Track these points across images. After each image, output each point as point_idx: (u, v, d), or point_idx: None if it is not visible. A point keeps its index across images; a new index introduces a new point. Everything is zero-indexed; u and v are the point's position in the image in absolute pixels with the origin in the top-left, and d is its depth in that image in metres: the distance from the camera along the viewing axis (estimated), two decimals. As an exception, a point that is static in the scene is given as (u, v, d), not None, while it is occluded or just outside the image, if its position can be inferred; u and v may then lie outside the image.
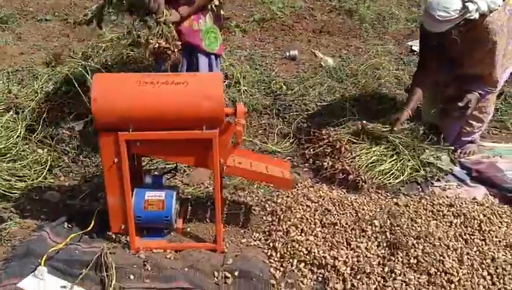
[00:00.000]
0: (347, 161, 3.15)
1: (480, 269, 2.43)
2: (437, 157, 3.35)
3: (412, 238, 2.55)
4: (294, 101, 4.01)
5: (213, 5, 3.12)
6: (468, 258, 2.48)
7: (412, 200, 2.96)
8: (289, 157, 3.46)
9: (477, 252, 2.53)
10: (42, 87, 3.75)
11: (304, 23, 5.71)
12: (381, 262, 2.45)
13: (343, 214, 2.75)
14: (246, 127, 3.60)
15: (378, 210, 2.79)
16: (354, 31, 5.63)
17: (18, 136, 3.26)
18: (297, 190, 3.00)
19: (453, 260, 2.46)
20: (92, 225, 2.51)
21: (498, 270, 2.43)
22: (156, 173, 3.10)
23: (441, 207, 2.86)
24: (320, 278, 2.39)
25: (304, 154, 3.47)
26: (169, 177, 2.99)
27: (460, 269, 2.41)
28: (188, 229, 2.66)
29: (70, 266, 2.35)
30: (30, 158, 3.15)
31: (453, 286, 2.34)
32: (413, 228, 2.64)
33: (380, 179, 3.12)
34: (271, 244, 2.56)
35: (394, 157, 3.23)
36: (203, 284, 2.28)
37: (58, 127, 3.44)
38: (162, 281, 2.29)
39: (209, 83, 2.35)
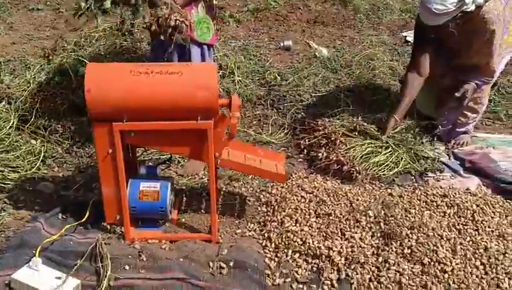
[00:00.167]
0: (342, 152, 3.16)
1: (473, 259, 2.45)
2: (431, 148, 3.37)
3: (406, 229, 2.56)
4: (289, 92, 4.01)
5: (205, -5, 3.10)
6: (461, 248, 2.50)
7: (405, 191, 2.97)
8: (283, 148, 3.47)
9: (471, 242, 2.55)
10: (35, 77, 3.73)
11: (298, 13, 5.69)
12: (375, 252, 2.47)
13: (337, 204, 2.75)
14: (241, 118, 3.60)
15: (372, 201, 2.80)
16: (348, 22, 5.62)
17: (11, 126, 3.24)
18: (292, 180, 3.00)
19: (446, 250, 2.47)
20: (86, 216, 2.50)
21: (491, 260, 2.45)
22: (150, 163, 3.09)
23: (434, 198, 2.88)
24: (314, 268, 2.40)
25: (298, 145, 3.47)
26: (163, 168, 2.98)
27: (454, 258, 2.43)
28: (183, 220, 2.66)
29: (64, 257, 2.35)
30: (23, 149, 3.14)
31: (446, 275, 2.35)
32: (407, 218, 2.66)
33: (374, 171, 3.13)
34: (266, 235, 2.57)
35: (389, 150, 3.23)
36: (198, 274, 2.29)
37: (51, 118, 3.41)
38: (157, 272, 2.29)
39: (203, 73, 2.33)
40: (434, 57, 3.31)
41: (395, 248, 2.47)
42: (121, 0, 2.89)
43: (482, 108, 3.52)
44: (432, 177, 3.17)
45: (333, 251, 2.43)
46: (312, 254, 2.44)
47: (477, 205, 2.80)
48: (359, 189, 2.96)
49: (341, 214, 2.65)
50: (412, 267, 2.39)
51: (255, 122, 3.75)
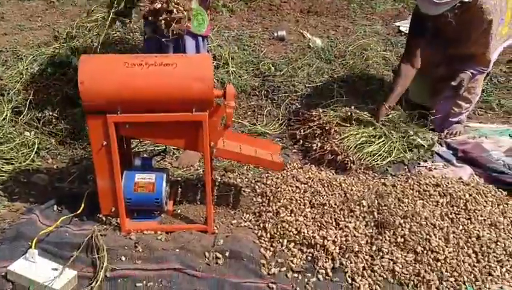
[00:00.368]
0: (336, 143, 3.18)
1: (466, 247, 2.49)
2: (424, 138, 3.39)
3: (399, 218, 2.59)
4: (283, 83, 4.01)
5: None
6: (454, 236, 2.54)
7: (399, 181, 3.00)
8: (278, 139, 3.48)
9: (463, 231, 2.59)
10: (27, 68, 3.70)
11: (291, 2, 5.66)
12: (369, 241, 2.50)
13: (332, 194, 2.78)
14: (235, 108, 3.60)
15: (366, 190, 2.83)
16: (342, 11, 5.60)
17: (4, 118, 3.23)
18: (287, 171, 3.02)
19: (439, 238, 2.51)
20: (81, 208, 2.50)
21: (483, 248, 2.49)
22: (145, 155, 3.09)
23: (427, 187, 2.90)
24: (309, 258, 2.42)
25: (293, 136, 3.48)
26: (158, 160, 2.98)
27: (446, 247, 2.47)
28: (179, 211, 2.67)
29: (61, 248, 2.36)
30: (17, 141, 3.13)
31: (439, 264, 2.39)
32: (400, 207, 2.69)
33: (368, 160, 3.15)
34: (261, 225, 2.59)
35: (382, 139, 3.26)
36: (194, 264, 2.31)
37: (44, 109, 3.40)
38: (153, 262, 2.31)
39: (198, 64, 2.33)
40: (430, 47, 3.33)
41: (389, 237, 2.50)
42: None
43: (476, 98, 3.55)
44: (424, 166, 3.20)
45: (328, 240, 2.45)
46: (307, 243, 2.47)
47: (470, 194, 2.83)
48: (353, 179, 2.98)
49: (335, 204, 2.68)
50: (405, 256, 2.42)
51: (249, 113, 3.76)
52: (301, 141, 3.40)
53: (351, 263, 2.38)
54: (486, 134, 3.57)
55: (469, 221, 2.66)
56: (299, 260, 2.41)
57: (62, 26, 4.58)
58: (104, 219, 2.53)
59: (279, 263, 2.39)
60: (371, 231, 2.55)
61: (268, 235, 2.53)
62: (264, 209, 2.69)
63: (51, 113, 3.37)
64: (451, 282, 2.33)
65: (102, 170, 2.38)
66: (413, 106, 3.59)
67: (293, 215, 2.61)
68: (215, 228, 2.55)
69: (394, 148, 3.22)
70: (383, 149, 3.21)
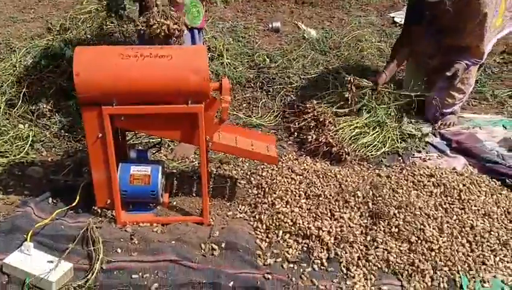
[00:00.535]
0: (331, 134, 3.19)
1: (460, 237, 2.51)
2: (418, 128, 3.41)
3: (394, 208, 2.61)
4: (278, 74, 4.00)
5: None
6: (447, 226, 2.56)
7: (393, 171, 3.02)
8: (273, 131, 3.48)
9: (457, 221, 2.61)
10: (20, 61, 3.67)
11: (286, -7, 5.66)
12: (363, 231, 2.52)
13: (327, 185, 2.79)
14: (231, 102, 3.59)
15: (360, 181, 2.84)
16: (337, 2, 5.60)
17: (-2, 111, 3.21)
18: (282, 163, 3.03)
19: (433, 228, 2.53)
20: (77, 200, 2.50)
21: (476, 238, 2.51)
22: (140, 147, 3.09)
23: (421, 177, 2.92)
24: (305, 248, 2.44)
25: (288, 128, 3.48)
26: (154, 152, 2.98)
27: (440, 237, 2.49)
28: (174, 203, 2.67)
29: (56, 240, 2.36)
30: (11, 133, 3.12)
31: (433, 253, 2.41)
32: (395, 198, 2.70)
33: (362, 151, 3.17)
34: (257, 217, 2.60)
35: (376, 130, 3.27)
36: (190, 256, 2.31)
37: (38, 102, 3.38)
38: (149, 254, 2.31)
39: (194, 56, 2.32)
40: (424, 38, 3.35)
41: (383, 227, 2.52)
42: None
43: (469, 89, 3.56)
44: (418, 157, 3.22)
45: (323, 231, 2.47)
46: (302, 234, 2.48)
47: (464, 185, 2.85)
48: (348, 170, 2.99)
49: (330, 195, 2.69)
50: (400, 246, 2.44)
51: (244, 105, 3.75)
52: (296, 133, 3.41)
53: (345, 253, 2.40)
54: (480, 124, 3.59)
55: (463, 211, 2.68)
56: (295, 250, 2.43)
57: (55, 18, 4.56)
58: (99, 211, 2.53)
59: (274, 253, 2.41)
60: (365, 221, 2.57)
61: (264, 226, 2.54)
62: (259, 200, 2.70)
63: (45, 106, 3.36)
64: (445, 271, 2.35)
65: (98, 162, 2.38)
66: (407, 96, 3.60)
67: (288, 206, 2.62)
68: (211, 219, 2.56)
69: (388, 138, 3.24)
70: (377, 140, 3.22)
